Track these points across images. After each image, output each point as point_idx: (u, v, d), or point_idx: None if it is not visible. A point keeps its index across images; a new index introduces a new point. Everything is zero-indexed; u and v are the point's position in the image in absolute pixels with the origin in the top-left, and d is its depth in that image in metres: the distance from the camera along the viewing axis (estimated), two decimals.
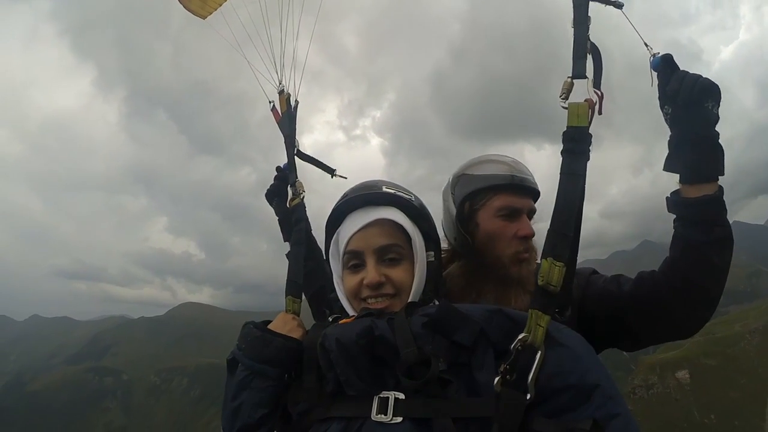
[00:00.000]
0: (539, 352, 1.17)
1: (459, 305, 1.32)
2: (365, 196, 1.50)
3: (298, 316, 1.69)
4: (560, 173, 1.31)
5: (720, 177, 1.48)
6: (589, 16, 1.38)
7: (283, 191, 2.22)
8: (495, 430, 1.12)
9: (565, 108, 1.33)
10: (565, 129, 1.32)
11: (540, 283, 1.24)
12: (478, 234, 1.78)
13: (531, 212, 1.80)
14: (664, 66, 1.45)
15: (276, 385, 1.40)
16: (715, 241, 1.47)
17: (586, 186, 1.32)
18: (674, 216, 1.55)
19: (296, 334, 1.51)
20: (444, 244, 1.84)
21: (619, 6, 1.46)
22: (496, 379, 1.17)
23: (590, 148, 1.31)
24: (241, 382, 1.41)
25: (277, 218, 2.25)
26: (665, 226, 1.59)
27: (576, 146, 1.30)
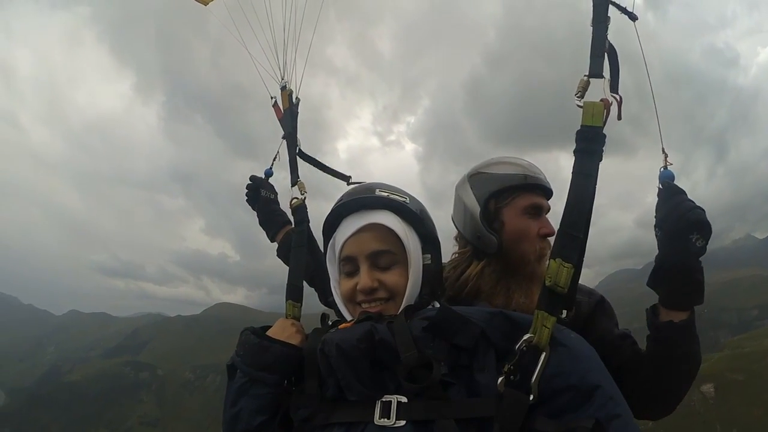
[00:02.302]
0: (543, 353, 1.16)
1: (458, 308, 1.31)
2: (359, 200, 1.47)
3: (299, 320, 1.66)
4: (572, 173, 1.28)
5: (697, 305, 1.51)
6: (609, 17, 1.36)
7: (258, 197, 2.30)
8: (496, 430, 1.12)
9: (580, 106, 1.29)
10: (578, 128, 1.29)
11: (547, 283, 1.22)
12: (503, 232, 1.77)
13: (548, 211, 1.83)
14: (662, 191, 1.49)
15: (274, 391, 1.40)
16: (675, 361, 1.54)
17: (596, 187, 1.27)
18: None
19: (295, 340, 1.48)
20: (446, 243, 1.76)
21: (634, 18, 1.48)
22: (500, 380, 1.17)
23: (603, 149, 1.27)
24: (239, 389, 1.41)
25: (258, 221, 2.30)
26: None
27: (589, 146, 1.27)
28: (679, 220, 1.42)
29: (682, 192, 1.48)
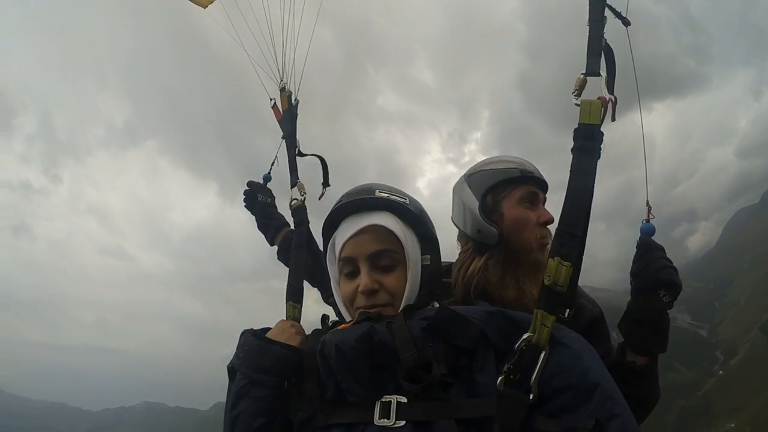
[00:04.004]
0: (543, 352, 1.16)
1: (457, 307, 1.32)
2: (358, 201, 1.47)
3: (299, 322, 1.67)
4: (570, 171, 1.27)
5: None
6: (605, 16, 1.36)
7: (255, 201, 2.37)
8: (496, 430, 1.11)
9: (578, 105, 1.29)
10: (576, 126, 1.29)
11: (546, 282, 1.22)
12: (503, 223, 1.79)
13: (544, 202, 1.87)
14: (640, 245, 1.60)
15: (274, 393, 1.38)
16: (632, 398, 1.56)
17: (594, 185, 1.27)
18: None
19: (294, 341, 1.47)
20: (443, 244, 1.78)
21: (627, 24, 1.47)
22: (500, 379, 1.16)
23: (602, 146, 1.27)
24: (239, 391, 1.39)
25: (257, 225, 2.33)
26: None
27: (587, 144, 1.27)
28: (650, 277, 1.55)
29: (660, 249, 1.60)
